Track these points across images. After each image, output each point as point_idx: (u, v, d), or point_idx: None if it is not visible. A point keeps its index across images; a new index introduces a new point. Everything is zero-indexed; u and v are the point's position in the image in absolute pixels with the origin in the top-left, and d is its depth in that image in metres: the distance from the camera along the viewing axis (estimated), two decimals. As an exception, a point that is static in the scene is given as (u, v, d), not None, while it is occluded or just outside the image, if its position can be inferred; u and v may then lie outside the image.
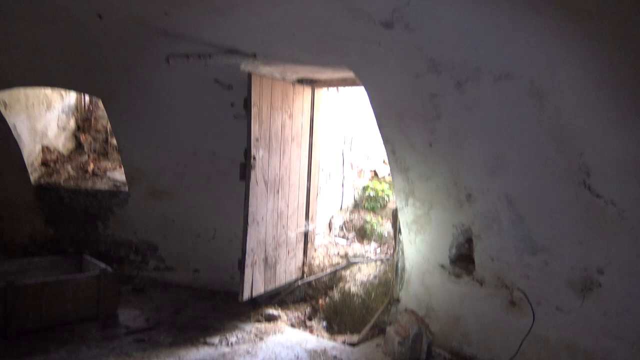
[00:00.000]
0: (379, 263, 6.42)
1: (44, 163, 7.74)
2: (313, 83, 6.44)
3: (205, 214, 7.06)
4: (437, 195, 4.79)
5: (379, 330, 5.48)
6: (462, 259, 4.82)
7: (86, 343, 5.12)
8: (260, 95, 5.53)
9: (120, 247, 7.61)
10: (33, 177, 7.49)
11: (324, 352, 5.10)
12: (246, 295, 5.64)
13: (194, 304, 6.55)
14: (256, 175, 5.56)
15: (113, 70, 6.25)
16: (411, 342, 4.78)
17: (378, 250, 7.06)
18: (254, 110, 5.46)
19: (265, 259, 5.89)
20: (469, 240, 4.71)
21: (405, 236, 5.26)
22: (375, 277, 6.08)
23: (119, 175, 7.70)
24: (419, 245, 5.13)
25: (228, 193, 6.70)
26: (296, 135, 6.27)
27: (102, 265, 6.05)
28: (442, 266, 4.92)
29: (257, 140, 5.54)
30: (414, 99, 4.44)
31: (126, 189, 7.41)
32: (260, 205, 5.69)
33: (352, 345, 5.25)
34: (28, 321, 5.18)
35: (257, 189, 5.59)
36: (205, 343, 5.26)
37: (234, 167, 6.42)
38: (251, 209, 5.54)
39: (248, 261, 5.57)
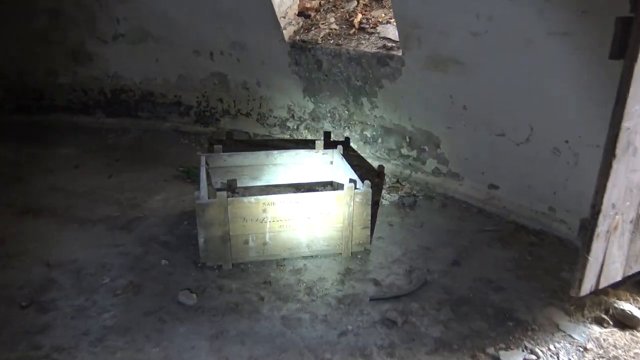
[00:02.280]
0: None
1: (302, 13, 5.85)
2: None
3: (516, 102, 4.24)
4: None
5: None
6: None
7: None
8: None
9: (390, 135, 5.50)
10: (287, 32, 5.73)
11: None
12: (588, 286, 2.90)
13: (484, 248, 4.13)
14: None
15: None
16: None
17: None
18: None
19: (637, 221, 2.92)
20: None
21: None
22: None
23: (392, 31, 5.30)
24: None
25: (561, 70, 3.71)
26: None
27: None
28: None
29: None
30: None
31: (399, 53, 5.01)
32: (646, 114, 2.59)
33: None
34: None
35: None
36: (497, 360, 2.90)
37: (580, 24, 3.32)
38: (627, 124, 2.53)
39: (603, 227, 2.73)
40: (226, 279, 3.67)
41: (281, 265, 3.84)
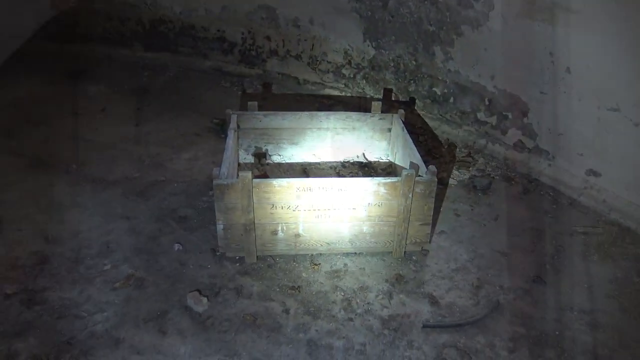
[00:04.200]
0: None
1: None
2: None
3: (647, 70, 3.15)
4: None
5: None
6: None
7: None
8: None
9: (465, 95, 4.50)
10: (348, -41, 4.69)
11: None
12: None
13: (575, 260, 3.22)
14: None
15: None
16: None
17: None
18: None
19: None
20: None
21: None
22: None
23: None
24: None
25: None
26: None
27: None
28: None
29: None
30: None
31: (487, -8, 3.92)
32: None
33: None
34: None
35: None
36: None
37: None
38: None
39: None
40: (247, 277, 3.00)
41: (316, 264, 3.12)
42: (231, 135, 3.50)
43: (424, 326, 2.70)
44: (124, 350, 2.50)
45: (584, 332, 2.69)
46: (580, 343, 2.62)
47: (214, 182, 2.88)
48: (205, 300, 2.80)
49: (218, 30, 5.99)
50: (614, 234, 3.46)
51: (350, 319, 2.74)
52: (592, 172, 3.78)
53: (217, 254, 3.14)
